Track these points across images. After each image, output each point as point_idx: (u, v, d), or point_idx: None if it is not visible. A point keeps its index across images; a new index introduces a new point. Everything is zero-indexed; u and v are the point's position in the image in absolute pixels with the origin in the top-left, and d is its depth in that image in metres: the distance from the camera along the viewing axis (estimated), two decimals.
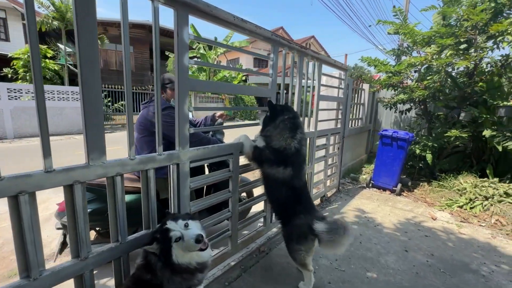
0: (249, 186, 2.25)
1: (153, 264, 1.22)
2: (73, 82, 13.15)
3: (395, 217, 3.29)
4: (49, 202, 3.35)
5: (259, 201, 2.37)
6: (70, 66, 11.92)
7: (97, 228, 2.09)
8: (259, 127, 2.24)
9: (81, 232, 1.17)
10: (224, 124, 2.62)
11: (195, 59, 17.33)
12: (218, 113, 2.55)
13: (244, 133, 2.05)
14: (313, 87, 2.98)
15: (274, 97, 2.28)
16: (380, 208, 3.55)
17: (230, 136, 2.47)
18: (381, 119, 6.34)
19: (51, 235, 2.63)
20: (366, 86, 5.49)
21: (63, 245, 2.04)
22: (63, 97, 9.28)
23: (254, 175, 2.23)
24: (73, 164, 1.13)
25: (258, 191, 2.46)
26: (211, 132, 2.42)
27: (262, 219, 2.51)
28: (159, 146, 1.44)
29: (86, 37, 1.06)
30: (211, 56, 14.71)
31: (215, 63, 15.01)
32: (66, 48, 11.56)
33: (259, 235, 2.47)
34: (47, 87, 8.79)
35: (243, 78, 17.95)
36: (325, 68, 3.16)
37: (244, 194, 2.85)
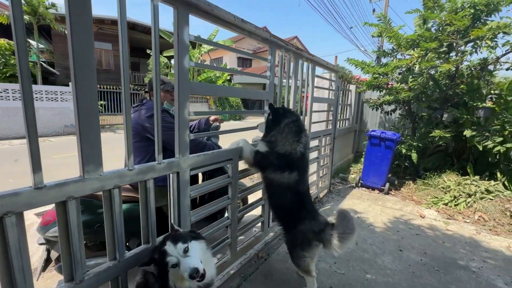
0: (246, 192, 2.19)
1: (152, 284, 1.13)
2: (46, 80, 12.37)
3: (386, 216, 3.36)
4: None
5: (257, 206, 2.32)
6: (43, 63, 11.19)
7: (85, 242, 1.93)
8: (252, 130, 2.19)
9: (75, 253, 1.06)
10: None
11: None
12: (212, 116, 2.47)
13: (238, 137, 1.99)
14: (304, 88, 2.97)
15: (272, 99, 2.23)
16: (371, 208, 3.62)
17: (223, 140, 2.39)
18: (366, 119, 6.49)
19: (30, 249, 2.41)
20: (352, 87, 5.60)
21: (47, 262, 1.87)
22: (36, 97, 8.68)
23: (251, 180, 2.17)
24: (66, 178, 1.01)
25: (252, 196, 2.40)
26: (205, 137, 2.33)
27: (259, 224, 2.45)
28: (159, 155, 1.35)
29: (82, 37, 0.95)
30: (195, 55, 14.43)
31: (199, 62, 14.73)
32: (39, 44, 10.83)
33: (257, 241, 2.41)
34: (16, 86, 8.17)
35: (228, 77, 17.80)
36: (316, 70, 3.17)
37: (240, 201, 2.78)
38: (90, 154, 1.05)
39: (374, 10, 16.45)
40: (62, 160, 5.77)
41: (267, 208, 2.44)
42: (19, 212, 0.89)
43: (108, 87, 11.46)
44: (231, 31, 1.73)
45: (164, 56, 14.45)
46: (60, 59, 13.97)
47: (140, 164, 1.96)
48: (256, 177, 3.51)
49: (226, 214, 2.30)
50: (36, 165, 0.91)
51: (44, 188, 0.93)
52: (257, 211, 2.54)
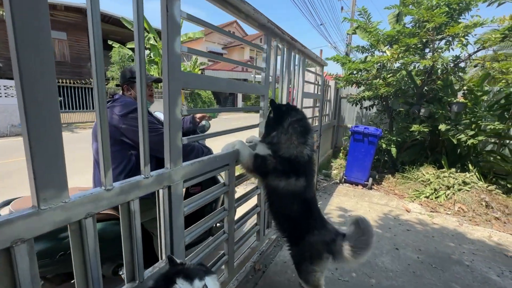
0: (242, 200, 1.93)
1: None
2: None
3: (375, 213, 3.34)
4: None
5: (252, 215, 2.08)
6: None
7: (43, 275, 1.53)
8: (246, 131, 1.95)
9: None
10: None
11: (146, 51, 15.90)
12: (199, 114, 2.15)
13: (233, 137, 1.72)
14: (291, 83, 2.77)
15: (267, 93, 1.99)
16: (359, 205, 3.59)
17: (208, 142, 2.09)
18: (344, 114, 6.56)
19: None
20: (332, 83, 5.57)
21: None
22: None
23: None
24: (8, 214, 0.67)
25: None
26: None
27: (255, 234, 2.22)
28: (146, 166, 1.03)
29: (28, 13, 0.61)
30: (160, 47, 13.52)
31: None
32: None
33: (253, 252, 2.18)
34: None
35: (199, 72, 17.07)
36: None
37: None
38: (49, 173, 0.71)
39: (342, 8, 16.96)
40: (7, 167, 4.93)
41: (262, 216, 2.21)
42: None
43: (64, 81, 10.22)
44: (226, 11, 1.44)
45: (128, 48, 13.33)
46: (3, 49, 12.13)
47: (115, 174, 1.63)
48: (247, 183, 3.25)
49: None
50: None
51: None
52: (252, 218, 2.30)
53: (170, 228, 1.19)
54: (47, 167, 0.71)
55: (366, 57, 5.21)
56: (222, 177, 1.83)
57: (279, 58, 2.21)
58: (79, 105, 11.08)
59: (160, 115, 2.06)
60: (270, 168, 1.54)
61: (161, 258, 1.22)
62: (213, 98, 17.41)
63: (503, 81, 4.17)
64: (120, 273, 1.65)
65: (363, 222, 1.50)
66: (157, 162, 1.85)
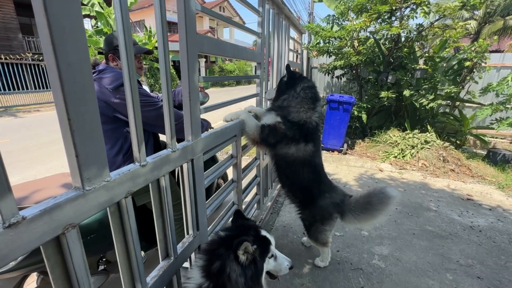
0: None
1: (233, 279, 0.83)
2: None
3: (353, 175, 3.63)
4: None
5: (254, 186, 2.11)
6: None
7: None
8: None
9: None
10: None
11: (88, 19, 13.80)
12: None
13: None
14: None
15: (262, 60, 1.92)
16: (339, 169, 3.85)
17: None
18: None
19: None
20: (304, 53, 5.58)
21: None
22: None
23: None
24: (52, 198, 0.58)
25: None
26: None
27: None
28: (172, 139, 0.95)
29: None
30: (111, 15, 11.92)
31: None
32: None
33: (256, 221, 2.24)
34: None
35: (156, 44, 15.63)
36: None
37: (221, 180, 2.51)
38: (90, 149, 0.62)
39: None
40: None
41: (262, 185, 2.26)
42: None
43: None
44: None
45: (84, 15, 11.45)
46: None
47: (111, 155, 1.48)
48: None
49: None
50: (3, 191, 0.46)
51: (23, 222, 0.50)
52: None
53: (194, 202, 1.16)
54: (87, 143, 0.61)
55: (332, 26, 5.26)
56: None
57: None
58: (16, 85, 9.51)
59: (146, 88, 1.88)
60: (278, 137, 1.54)
61: (187, 233, 1.19)
62: (174, 73, 16.31)
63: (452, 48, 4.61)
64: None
65: (381, 191, 1.53)
66: (155, 139, 1.74)
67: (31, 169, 3.73)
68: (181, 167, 1.07)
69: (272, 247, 1.01)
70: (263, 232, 0.97)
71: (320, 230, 1.67)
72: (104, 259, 1.61)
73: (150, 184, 0.90)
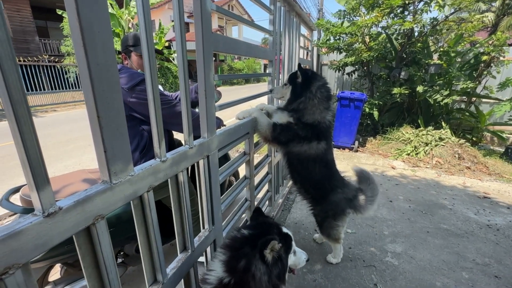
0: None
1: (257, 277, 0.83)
2: None
3: None
4: None
5: (265, 183, 2.13)
6: None
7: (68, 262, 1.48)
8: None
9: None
10: None
11: None
12: None
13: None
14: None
15: (274, 58, 1.93)
16: (350, 167, 3.81)
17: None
18: None
19: None
20: (314, 49, 5.54)
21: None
22: None
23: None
24: (83, 190, 0.62)
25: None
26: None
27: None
28: (189, 136, 0.98)
29: None
30: (123, 16, 12.17)
31: (129, 25, 12.56)
32: None
33: None
34: None
35: (166, 44, 15.83)
36: None
37: (232, 177, 2.55)
38: (116, 145, 0.66)
39: None
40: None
41: (274, 182, 2.28)
42: (25, 263, 0.50)
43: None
44: None
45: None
46: None
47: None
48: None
49: None
50: (42, 182, 0.50)
51: (60, 212, 0.54)
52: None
53: (210, 197, 1.19)
54: (114, 139, 0.65)
55: (342, 23, 5.19)
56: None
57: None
58: (34, 87, 9.87)
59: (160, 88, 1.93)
60: (290, 136, 1.55)
61: (203, 228, 1.23)
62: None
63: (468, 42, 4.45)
64: None
65: (362, 172, 1.67)
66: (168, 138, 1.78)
67: (50, 166, 3.87)
68: (197, 163, 1.10)
69: (293, 243, 1.03)
70: (284, 229, 0.99)
71: (333, 225, 1.68)
72: (122, 253, 1.67)
73: (169, 179, 0.93)
